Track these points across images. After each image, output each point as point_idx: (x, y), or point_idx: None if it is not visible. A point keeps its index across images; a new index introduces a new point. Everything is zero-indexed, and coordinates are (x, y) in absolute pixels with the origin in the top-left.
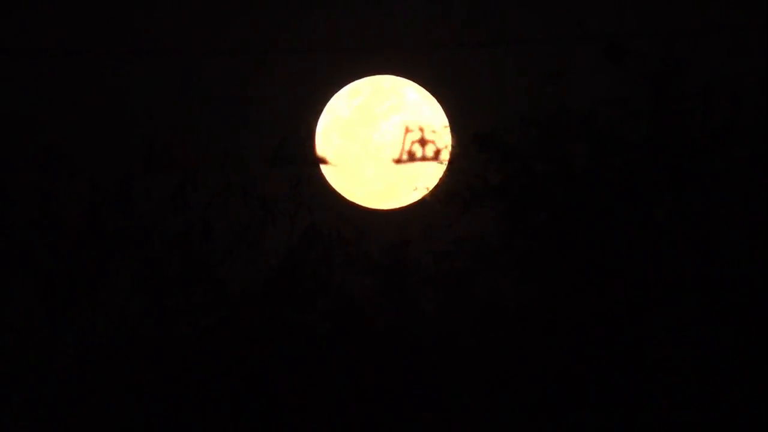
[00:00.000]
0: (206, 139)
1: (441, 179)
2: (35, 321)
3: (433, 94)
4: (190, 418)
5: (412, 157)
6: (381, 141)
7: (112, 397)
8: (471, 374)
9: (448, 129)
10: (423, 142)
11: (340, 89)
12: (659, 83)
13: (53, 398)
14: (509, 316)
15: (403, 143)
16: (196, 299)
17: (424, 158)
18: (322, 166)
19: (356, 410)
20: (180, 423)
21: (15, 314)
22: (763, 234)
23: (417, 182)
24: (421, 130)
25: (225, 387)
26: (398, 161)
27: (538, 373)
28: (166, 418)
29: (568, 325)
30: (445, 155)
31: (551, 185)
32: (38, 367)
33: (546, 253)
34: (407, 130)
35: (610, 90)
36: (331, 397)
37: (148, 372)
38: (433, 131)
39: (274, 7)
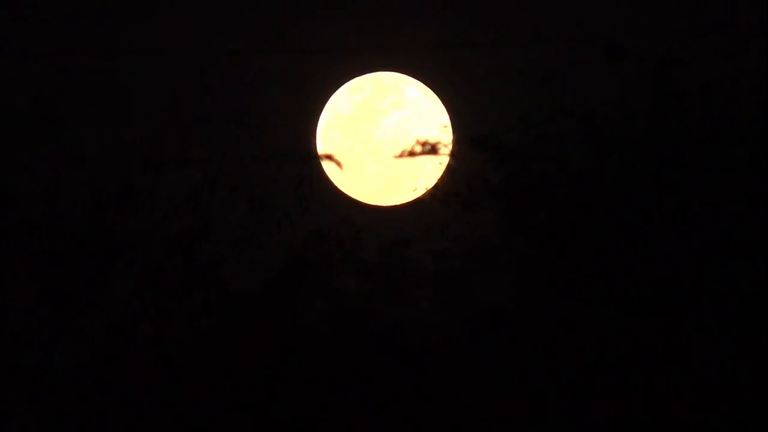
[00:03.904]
0: (206, 139)
1: (441, 178)
2: (35, 321)
3: (434, 92)
4: (190, 419)
5: (412, 154)
6: (382, 138)
7: (113, 398)
8: (470, 374)
9: (449, 128)
10: (425, 145)
11: (341, 86)
12: (658, 83)
13: (53, 398)
14: (508, 317)
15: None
16: (197, 300)
17: (423, 152)
18: (324, 164)
19: (356, 411)
20: (180, 424)
21: (15, 314)
22: (763, 234)
23: (417, 180)
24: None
25: (225, 388)
26: (400, 156)
27: (537, 374)
28: (166, 419)
29: (568, 326)
30: (444, 151)
31: (550, 185)
32: (38, 367)
33: (545, 253)
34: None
35: (609, 90)
36: (332, 398)
37: (148, 373)
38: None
39: (274, 5)
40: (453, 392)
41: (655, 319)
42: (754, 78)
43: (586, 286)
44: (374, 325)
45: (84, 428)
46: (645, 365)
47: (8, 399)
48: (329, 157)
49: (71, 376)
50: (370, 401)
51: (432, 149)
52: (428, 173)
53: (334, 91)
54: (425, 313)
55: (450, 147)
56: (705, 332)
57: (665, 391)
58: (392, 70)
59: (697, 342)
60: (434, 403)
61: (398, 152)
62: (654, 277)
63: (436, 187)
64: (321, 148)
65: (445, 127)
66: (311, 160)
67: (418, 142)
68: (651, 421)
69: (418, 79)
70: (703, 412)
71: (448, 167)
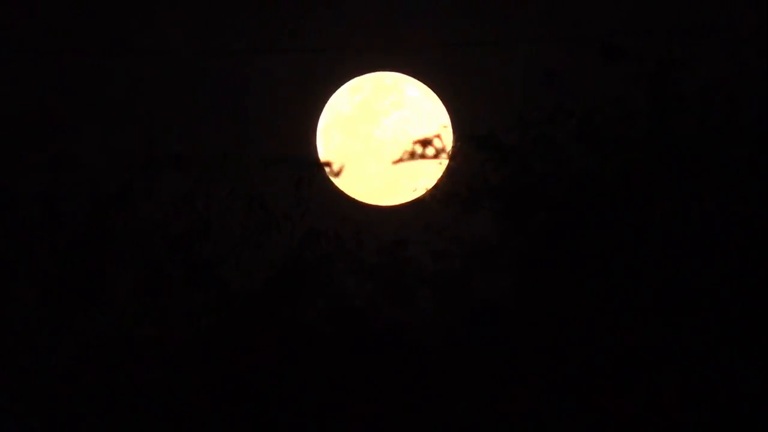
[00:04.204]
0: (206, 140)
1: (441, 178)
2: (35, 321)
3: (434, 92)
4: (190, 418)
5: (412, 155)
6: (382, 138)
7: (113, 398)
8: (470, 374)
9: (449, 128)
10: (424, 142)
11: (341, 86)
12: (658, 83)
13: (53, 398)
14: (508, 316)
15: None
16: (197, 300)
17: (423, 156)
18: (324, 165)
19: (356, 410)
20: (180, 424)
21: (15, 314)
22: (764, 234)
23: (418, 180)
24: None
25: (225, 387)
26: (398, 161)
27: (537, 374)
28: (166, 418)
29: (568, 326)
30: (445, 156)
31: (550, 185)
32: (38, 367)
33: (545, 253)
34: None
35: (609, 90)
36: (331, 398)
37: (148, 373)
38: (436, 136)
39: (274, 5)
40: (453, 392)
41: (654, 319)
42: (754, 78)
43: (586, 286)
44: (374, 325)
45: (84, 428)
46: (645, 365)
47: (8, 399)
48: (328, 165)
49: (71, 376)
50: (370, 401)
51: (433, 153)
52: (428, 173)
53: (334, 91)
54: (425, 313)
55: (450, 147)
56: (705, 332)
57: (665, 391)
58: (392, 70)
59: (697, 342)
60: (434, 403)
61: (396, 156)
62: (653, 276)
63: (436, 187)
64: (321, 148)
65: (445, 127)
66: (311, 165)
67: (414, 151)
68: (651, 420)
69: (418, 79)
70: (703, 412)
71: (448, 167)
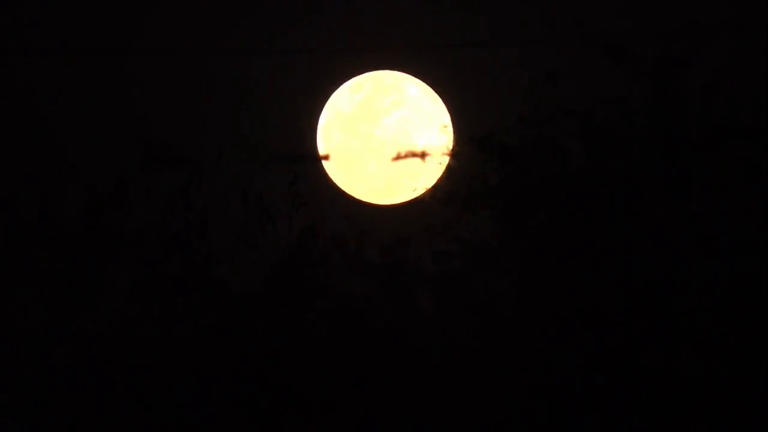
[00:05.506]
0: (206, 140)
1: (440, 178)
2: (35, 321)
3: (434, 91)
4: (189, 418)
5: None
6: (382, 136)
7: (112, 397)
8: (470, 374)
9: (449, 128)
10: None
11: (341, 85)
12: (658, 82)
13: (53, 398)
14: (508, 316)
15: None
16: (195, 299)
17: (423, 155)
18: (323, 162)
19: (355, 410)
20: (179, 423)
21: (15, 314)
22: (763, 233)
23: (418, 179)
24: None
25: (224, 387)
26: (397, 158)
27: (536, 374)
28: (165, 418)
29: (567, 325)
30: (441, 155)
31: (550, 185)
32: (38, 367)
33: (545, 253)
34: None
35: (609, 90)
36: (331, 397)
37: (147, 372)
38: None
39: (275, 5)
40: (453, 392)
41: (653, 319)
42: (754, 78)
43: (585, 285)
44: (374, 325)
45: (84, 428)
46: (643, 364)
47: (8, 399)
48: (326, 158)
49: (71, 376)
50: (370, 401)
51: (422, 155)
52: (428, 173)
53: (335, 90)
54: (425, 313)
55: (448, 148)
56: (703, 331)
57: (664, 390)
58: (393, 69)
59: (696, 341)
60: (434, 403)
61: (395, 155)
62: (653, 276)
63: (436, 187)
64: (321, 146)
65: (445, 127)
66: (309, 161)
67: (410, 151)
68: (651, 420)
69: (419, 78)
70: (701, 411)
71: (448, 167)
